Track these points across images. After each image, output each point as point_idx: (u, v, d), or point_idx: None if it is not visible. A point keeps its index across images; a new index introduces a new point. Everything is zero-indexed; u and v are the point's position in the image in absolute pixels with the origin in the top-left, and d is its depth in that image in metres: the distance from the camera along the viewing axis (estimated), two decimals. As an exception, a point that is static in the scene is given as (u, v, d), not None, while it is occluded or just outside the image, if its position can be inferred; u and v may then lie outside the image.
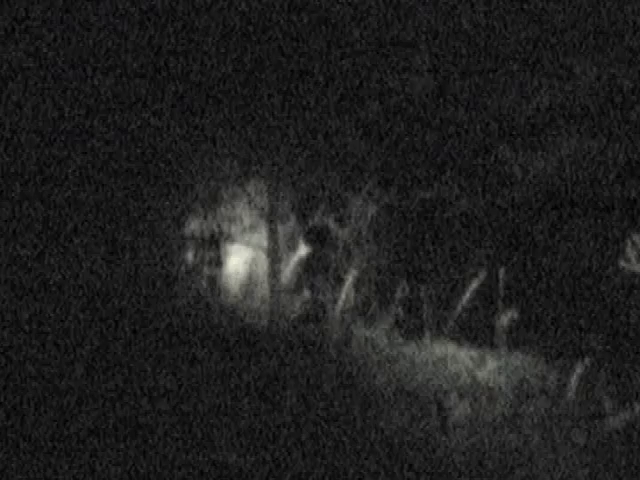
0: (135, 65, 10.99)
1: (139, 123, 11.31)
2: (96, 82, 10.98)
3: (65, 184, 11.29)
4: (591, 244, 11.05)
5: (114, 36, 10.75)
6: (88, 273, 11.29)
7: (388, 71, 10.90)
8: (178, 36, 10.84)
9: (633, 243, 10.27)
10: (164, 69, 10.98)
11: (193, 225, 12.10)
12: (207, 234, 12.06)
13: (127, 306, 10.96)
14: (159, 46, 10.86)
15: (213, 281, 11.94)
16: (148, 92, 11.12)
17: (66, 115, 11.10)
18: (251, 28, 10.57)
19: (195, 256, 12.07)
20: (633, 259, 10.26)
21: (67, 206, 11.35)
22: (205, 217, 11.99)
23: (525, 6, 10.77)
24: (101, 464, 6.43)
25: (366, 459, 6.66)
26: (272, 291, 10.74)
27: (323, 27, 10.54)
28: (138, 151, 11.51)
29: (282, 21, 10.48)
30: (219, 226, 12.01)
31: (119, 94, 11.16)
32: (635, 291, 10.38)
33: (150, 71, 11.00)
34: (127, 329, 10.08)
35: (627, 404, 8.00)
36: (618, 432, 7.43)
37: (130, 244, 11.68)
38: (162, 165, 11.73)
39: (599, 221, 11.06)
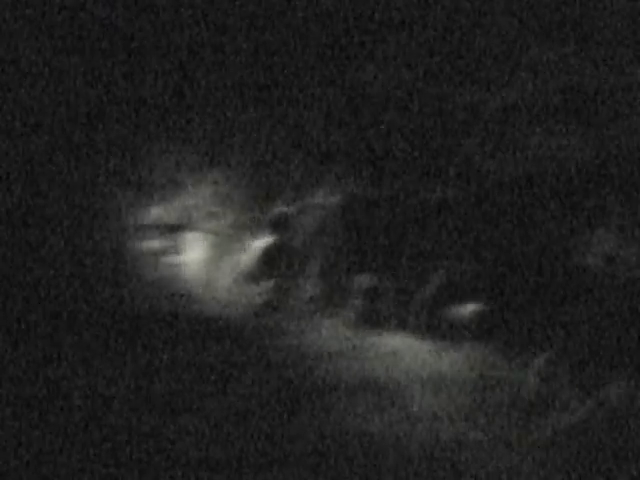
0: (94, 48, 10.88)
1: (95, 108, 11.20)
2: (53, 62, 10.87)
3: (17, 166, 11.17)
4: (555, 239, 11.08)
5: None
6: (40, 261, 11.17)
7: (355, 61, 10.87)
8: (134, 21, 10.76)
9: (598, 239, 10.31)
10: (124, 54, 10.88)
11: (151, 213, 11.99)
12: (168, 222, 11.97)
13: (83, 295, 10.86)
14: (117, 30, 10.77)
15: (173, 269, 11.84)
16: (104, 75, 11.01)
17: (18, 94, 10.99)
18: (213, 14, 10.50)
19: (155, 244, 11.97)
20: (597, 255, 10.30)
21: (18, 190, 11.24)
22: (165, 204, 11.90)
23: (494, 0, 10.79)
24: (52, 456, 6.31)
25: (326, 450, 6.59)
26: (232, 280, 10.66)
27: (289, 15, 10.48)
28: (94, 137, 11.40)
29: (245, 8, 10.41)
30: (179, 214, 11.92)
31: (76, 76, 11.03)
32: (597, 286, 10.42)
33: (111, 55, 10.89)
34: (83, 318, 9.98)
35: (587, 398, 8.02)
36: (578, 425, 7.42)
37: (87, 233, 11.58)
38: (120, 152, 11.64)
39: (564, 216, 11.09)
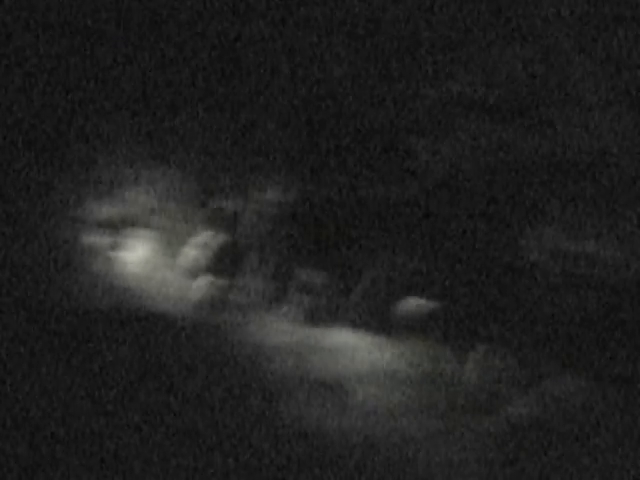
0: (37, 43, 10.80)
1: (40, 106, 11.11)
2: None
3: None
4: (494, 233, 11.13)
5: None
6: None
7: (300, 61, 10.85)
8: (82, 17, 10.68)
9: (539, 234, 10.37)
10: (69, 52, 10.80)
11: (94, 208, 11.91)
12: (111, 218, 11.90)
13: (27, 290, 10.77)
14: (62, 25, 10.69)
15: (113, 265, 11.77)
16: (50, 74, 10.92)
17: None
18: (161, 14, 10.45)
19: (95, 240, 11.89)
20: (538, 250, 10.35)
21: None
22: (105, 200, 11.82)
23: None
24: None
25: (266, 444, 6.57)
26: (172, 275, 10.61)
27: (233, 12, 10.46)
28: (38, 135, 11.31)
29: (194, 9, 10.38)
30: (119, 209, 11.85)
31: (19, 75, 10.95)
32: (534, 280, 10.48)
33: (57, 54, 10.82)
34: (26, 313, 9.89)
35: (528, 391, 8.07)
36: (519, 418, 7.46)
37: (32, 229, 11.48)
38: (62, 148, 11.56)
39: (503, 210, 11.14)
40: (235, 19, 10.44)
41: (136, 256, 11.95)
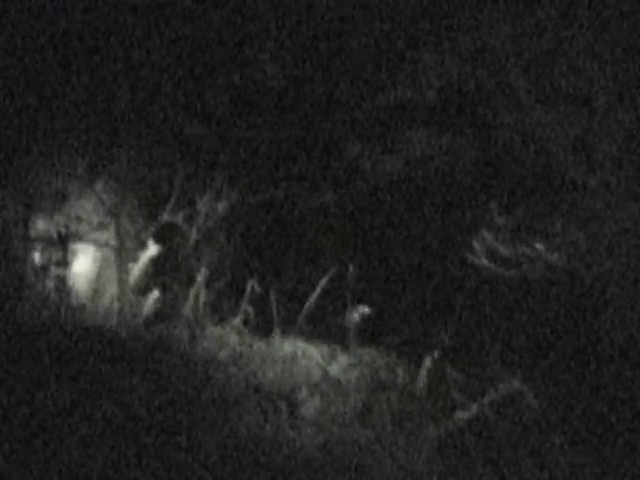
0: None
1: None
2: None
3: None
4: (440, 239, 11.22)
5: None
6: None
7: (236, 64, 10.86)
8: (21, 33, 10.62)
9: (482, 238, 10.46)
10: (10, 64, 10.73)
11: (39, 224, 11.82)
12: (54, 233, 11.81)
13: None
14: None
15: (61, 281, 11.69)
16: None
17: None
18: (96, 23, 10.42)
19: (42, 256, 11.80)
20: (481, 254, 10.45)
21: None
22: (51, 216, 11.74)
23: (373, 3, 10.88)
24: None
25: (217, 456, 6.59)
26: (121, 290, 10.58)
27: (167, 19, 10.46)
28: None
29: (129, 16, 10.36)
30: (66, 225, 11.77)
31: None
32: (482, 285, 10.57)
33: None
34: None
35: (477, 396, 8.14)
36: (467, 425, 7.53)
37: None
38: (5, 164, 11.47)
39: (448, 216, 11.24)
40: (170, 26, 10.47)
41: (80, 272, 11.89)
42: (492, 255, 10.28)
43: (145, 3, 10.24)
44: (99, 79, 10.63)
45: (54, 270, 11.68)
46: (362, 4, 10.88)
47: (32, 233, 11.59)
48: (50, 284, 11.54)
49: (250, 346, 9.85)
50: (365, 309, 9.83)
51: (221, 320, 10.63)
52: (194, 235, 10.86)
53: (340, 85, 11.35)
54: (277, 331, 10.17)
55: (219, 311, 10.82)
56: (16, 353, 9.09)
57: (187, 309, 10.87)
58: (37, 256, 11.77)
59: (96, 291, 11.47)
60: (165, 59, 10.55)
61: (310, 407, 7.85)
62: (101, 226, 11.54)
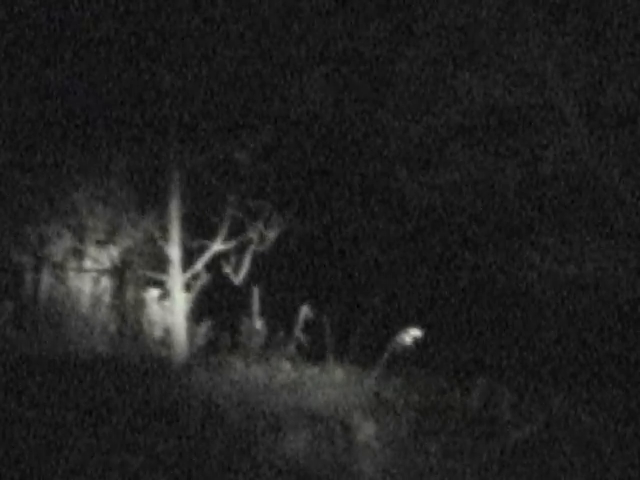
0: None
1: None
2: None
3: None
4: (485, 261, 11.22)
5: None
6: None
7: (281, 90, 10.94)
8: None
9: (527, 259, 10.46)
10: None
11: (92, 255, 11.91)
12: (108, 263, 11.91)
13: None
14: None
15: (116, 311, 11.78)
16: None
17: None
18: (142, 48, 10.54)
19: (95, 286, 11.89)
20: (527, 276, 10.45)
21: None
22: (104, 247, 11.84)
23: (418, 25, 10.91)
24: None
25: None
26: (174, 320, 10.65)
27: (211, 42, 10.54)
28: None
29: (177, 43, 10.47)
30: (120, 256, 11.86)
31: None
32: (532, 305, 10.58)
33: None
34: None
35: (528, 418, 8.13)
36: (520, 445, 7.51)
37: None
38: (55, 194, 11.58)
39: (494, 238, 11.24)
40: (213, 51, 10.56)
41: (136, 302, 11.96)
42: (541, 275, 10.27)
43: (196, 29, 10.35)
44: (151, 106, 10.75)
45: (109, 300, 11.76)
46: (406, 28, 10.94)
47: (87, 264, 11.69)
48: (105, 314, 11.62)
49: (303, 372, 9.90)
50: (416, 331, 9.82)
51: (274, 347, 10.70)
52: (245, 262, 10.91)
53: (385, 109, 11.39)
54: (330, 357, 10.21)
55: (272, 338, 10.88)
56: (76, 384, 9.17)
57: (240, 337, 10.95)
58: (90, 287, 11.85)
59: (149, 321, 11.55)
60: (214, 87, 10.65)
61: (364, 431, 7.85)
62: (152, 256, 11.61)
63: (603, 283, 10.16)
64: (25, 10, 10.56)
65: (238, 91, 10.70)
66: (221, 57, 10.51)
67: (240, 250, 11.04)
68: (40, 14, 10.54)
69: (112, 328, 11.47)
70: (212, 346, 11.08)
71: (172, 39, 10.39)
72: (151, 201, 11.31)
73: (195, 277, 11.07)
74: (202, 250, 10.85)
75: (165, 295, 11.26)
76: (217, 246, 10.79)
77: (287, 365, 10.22)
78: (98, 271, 11.68)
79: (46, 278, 11.55)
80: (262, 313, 11.15)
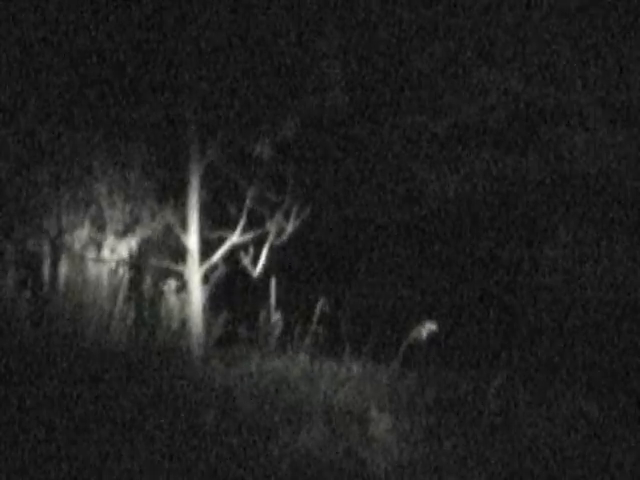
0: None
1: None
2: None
3: None
4: (502, 257, 11.22)
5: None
6: None
7: (302, 84, 10.95)
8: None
9: (545, 257, 10.46)
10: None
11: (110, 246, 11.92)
12: (125, 254, 11.92)
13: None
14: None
15: (132, 302, 11.80)
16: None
17: None
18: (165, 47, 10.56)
19: (112, 277, 11.92)
20: (544, 273, 10.45)
21: None
22: (122, 238, 11.86)
23: (436, 22, 10.91)
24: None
25: (289, 476, 6.67)
26: (192, 312, 10.67)
27: (233, 41, 10.55)
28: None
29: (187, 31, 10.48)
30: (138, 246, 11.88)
31: None
32: (548, 303, 10.58)
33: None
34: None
35: (546, 415, 8.15)
36: (537, 444, 7.54)
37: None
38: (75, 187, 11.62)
39: (511, 234, 11.24)
40: (236, 50, 10.58)
41: (154, 291, 11.98)
42: (559, 273, 10.28)
43: (216, 20, 10.37)
44: (173, 97, 10.77)
45: (127, 291, 11.79)
46: (425, 25, 10.95)
47: (105, 254, 11.72)
48: (122, 305, 11.65)
49: (320, 366, 9.92)
50: (432, 325, 9.82)
51: (291, 340, 10.72)
52: (262, 254, 10.93)
53: (404, 105, 11.40)
54: (347, 351, 10.23)
55: (289, 331, 10.90)
56: (93, 375, 9.21)
57: (257, 329, 10.97)
58: (108, 277, 11.88)
59: (166, 312, 11.59)
60: (235, 80, 10.66)
61: (380, 426, 7.88)
62: (170, 249, 11.64)
63: (620, 281, 10.15)
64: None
65: (259, 84, 10.71)
66: (243, 49, 10.52)
67: (258, 242, 11.05)
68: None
69: (129, 319, 11.46)
70: (229, 338, 11.11)
71: (193, 30, 10.40)
72: (170, 192, 11.32)
73: (213, 269, 11.08)
74: (220, 242, 10.85)
75: (183, 286, 11.26)
76: (235, 238, 10.79)
77: (304, 358, 10.23)
78: (116, 262, 11.69)
79: (64, 268, 11.54)
80: (279, 306, 11.16)
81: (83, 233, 11.63)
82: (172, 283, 11.62)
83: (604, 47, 10.02)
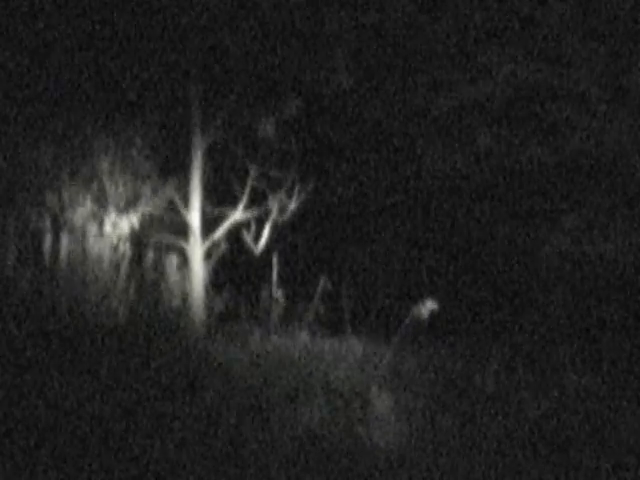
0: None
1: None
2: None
3: None
4: (506, 238, 11.23)
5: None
6: None
7: (306, 66, 10.94)
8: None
9: (549, 238, 10.46)
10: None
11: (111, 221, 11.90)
12: (127, 230, 11.90)
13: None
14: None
15: (134, 278, 11.80)
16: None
17: None
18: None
19: (114, 253, 11.91)
20: (548, 254, 10.45)
21: None
22: (123, 214, 11.84)
23: (442, 2, 10.89)
24: None
25: (289, 452, 6.67)
26: (193, 288, 10.68)
27: (237, 19, 10.53)
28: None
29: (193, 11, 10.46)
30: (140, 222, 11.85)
31: None
32: (549, 283, 10.59)
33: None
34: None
35: (544, 395, 8.15)
36: (537, 422, 7.54)
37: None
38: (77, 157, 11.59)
39: (515, 215, 11.24)
40: (241, 28, 10.56)
41: (155, 267, 11.97)
42: (562, 254, 10.28)
43: (222, 6, 10.34)
44: (176, 73, 10.75)
45: (128, 267, 11.77)
46: (432, 5, 10.92)
47: (106, 229, 11.68)
48: (124, 281, 11.63)
49: (321, 344, 9.93)
50: (433, 304, 9.81)
51: (293, 318, 10.72)
52: (263, 233, 10.92)
53: (409, 86, 11.39)
54: (348, 329, 10.24)
55: (290, 308, 10.90)
56: (95, 351, 9.21)
57: (259, 306, 10.97)
58: (110, 253, 11.85)
59: (168, 289, 11.57)
60: (239, 57, 10.64)
61: (380, 404, 7.89)
62: (172, 225, 11.62)
63: (623, 263, 10.16)
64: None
65: (263, 62, 10.70)
66: (247, 27, 10.51)
67: (260, 220, 11.05)
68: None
69: (131, 295, 11.45)
70: (230, 315, 11.10)
71: (198, 8, 10.37)
72: (173, 168, 11.31)
73: (215, 245, 11.08)
74: (222, 218, 10.85)
75: (184, 263, 11.25)
76: (238, 215, 10.79)
77: (305, 336, 10.24)
78: (118, 237, 11.66)
79: (65, 243, 11.51)
80: (281, 283, 11.16)
81: (85, 209, 11.61)
82: (174, 259, 11.63)
83: (608, 31, 10.00)
